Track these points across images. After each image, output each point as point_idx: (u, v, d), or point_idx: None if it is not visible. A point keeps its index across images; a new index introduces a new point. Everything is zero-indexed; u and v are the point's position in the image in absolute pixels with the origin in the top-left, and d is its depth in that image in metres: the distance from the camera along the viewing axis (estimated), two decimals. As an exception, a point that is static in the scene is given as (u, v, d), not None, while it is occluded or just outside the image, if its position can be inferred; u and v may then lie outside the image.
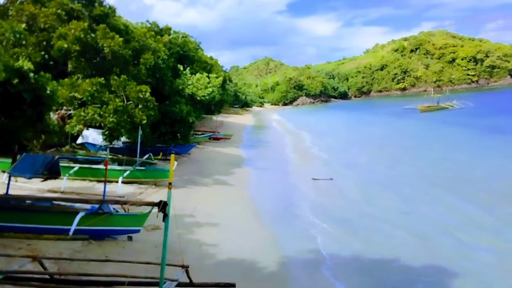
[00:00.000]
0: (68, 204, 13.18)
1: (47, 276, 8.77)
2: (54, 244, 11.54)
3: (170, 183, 6.29)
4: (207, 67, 40.54)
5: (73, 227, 11.01)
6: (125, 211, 14.21)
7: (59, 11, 20.98)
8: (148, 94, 19.79)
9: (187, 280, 8.98)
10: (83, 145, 25.82)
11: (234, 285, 8.50)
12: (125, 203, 11.80)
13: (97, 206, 12.39)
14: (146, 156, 23.32)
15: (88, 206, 12.79)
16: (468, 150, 35.63)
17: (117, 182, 18.78)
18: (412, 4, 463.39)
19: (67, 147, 24.19)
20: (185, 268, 8.77)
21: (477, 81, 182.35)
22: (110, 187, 15.93)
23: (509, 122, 50.14)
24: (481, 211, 18.14)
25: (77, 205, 13.12)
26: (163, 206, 6.26)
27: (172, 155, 6.61)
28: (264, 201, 20.20)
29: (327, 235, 15.03)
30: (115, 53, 20.92)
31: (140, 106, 19.73)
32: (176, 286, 8.13)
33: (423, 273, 11.95)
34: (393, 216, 17.57)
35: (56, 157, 13.32)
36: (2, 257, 9.29)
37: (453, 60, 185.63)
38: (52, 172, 13.07)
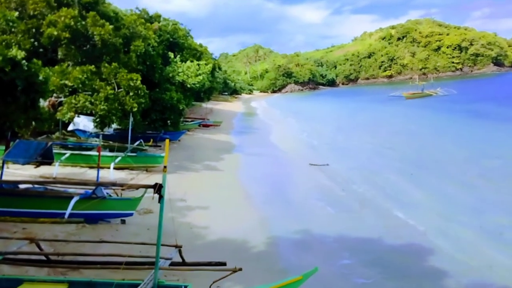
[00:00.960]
0: (62, 189, 13.53)
1: (43, 258, 9.13)
2: (49, 227, 11.84)
3: (165, 167, 6.62)
4: (197, 54, 40.66)
5: (68, 211, 11.36)
6: (117, 195, 14.57)
7: (48, -2, 21.05)
8: (139, 82, 20.00)
9: (180, 260, 9.40)
10: (73, 132, 26.00)
11: (225, 263, 8.86)
12: (121, 186, 12.10)
13: (90, 190, 12.74)
14: (137, 142, 23.62)
15: (82, 191, 13.14)
16: (449, 135, 36.84)
17: (108, 168, 19.06)
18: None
19: (58, 134, 24.36)
20: (178, 248, 9.18)
21: (461, 68, 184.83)
22: (102, 173, 16.14)
23: (488, 109, 51.76)
24: (460, 190, 19.38)
25: (71, 190, 13.47)
26: (158, 188, 6.59)
27: (167, 140, 6.92)
28: (254, 185, 20.66)
29: (316, 216, 15.59)
30: (105, 41, 21.04)
31: (131, 94, 19.94)
32: (170, 265, 8.51)
33: (407, 250, 12.64)
34: (380, 199, 18.23)
35: (50, 143, 13.58)
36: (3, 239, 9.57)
37: (439, 48, 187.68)
38: (45, 158, 13.36)
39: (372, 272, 10.93)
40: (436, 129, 41.18)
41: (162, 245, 8.12)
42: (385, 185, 20.59)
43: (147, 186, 7.42)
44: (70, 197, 12.17)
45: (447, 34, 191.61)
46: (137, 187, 9.76)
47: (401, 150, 30.31)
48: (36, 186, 13.51)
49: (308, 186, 20.78)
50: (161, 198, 6.55)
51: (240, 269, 7.54)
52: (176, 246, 9.11)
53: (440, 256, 12.11)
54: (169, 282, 7.10)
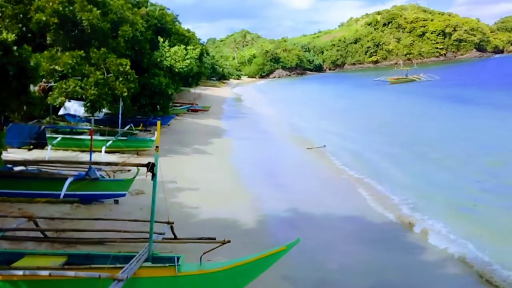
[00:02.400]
0: (56, 171, 13.91)
1: (41, 235, 9.55)
2: (45, 207, 12.21)
3: (157, 146, 7.00)
4: (185, 39, 40.71)
5: (63, 192, 11.77)
6: (109, 177, 14.98)
7: (36, -17, 21.06)
8: (128, 67, 20.23)
9: (172, 236, 9.87)
10: (63, 117, 26.23)
11: (214, 238, 9.30)
12: (116, 164, 12.50)
13: (84, 172, 13.15)
14: (127, 127, 23.96)
15: (75, 172, 13.54)
16: (425, 118, 38.44)
17: (100, 151, 19.39)
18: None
19: (48, 118, 24.56)
20: (170, 224, 9.64)
21: (445, 54, 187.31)
22: (94, 156, 16.50)
23: (465, 94, 53.35)
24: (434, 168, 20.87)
25: (64, 172, 13.86)
26: (151, 167, 6.99)
27: (159, 121, 7.29)
28: (244, 168, 21.26)
29: (303, 197, 16.22)
30: (94, 26, 21.20)
31: (120, 79, 20.15)
32: (162, 241, 8.98)
33: (392, 227, 13.33)
34: (366, 175, 19.28)
35: (43, 127, 13.90)
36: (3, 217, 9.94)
37: (423, 33, 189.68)
38: (39, 141, 13.70)
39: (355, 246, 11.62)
40: (414, 112, 42.92)
41: (155, 221, 8.60)
42: (372, 166, 21.55)
43: (140, 165, 7.83)
44: (64, 178, 12.55)
45: (432, 20, 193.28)
46: (131, 165, 10.16)
47: (384, 133, 31.21)
48: (29, 168, 13.90)
49: (298, 167, 21.42)
50: (153, 176, 6.95)
51: (229, 241, 7.99)
52: (168, 223, 9.55)
53: (417, 227, 13.01)
54: (162, 254, 7.55)
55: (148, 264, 6.87)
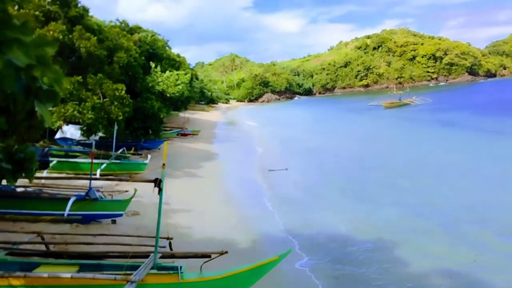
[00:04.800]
0: (56, 191, 14.60)
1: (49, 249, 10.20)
2: (46, 226, 12.86)
3: (164, 164, 7.80)
4: (176, 64, 41.80)
5: (67, 211, 12.47)
6: (105, 197, 15.65)
7: (36, 12, 21.96)
8: (123, 92, 21.14)
9: (169, 251, 10.58)
10: (55, 141, 26.86)
11: (210, 255, 10.02)
12: (127, 180, 13.22)
13: (83, 193, 13.86)
14: (120, 150, 24.64)
15: (75, 193, 14.25)
16: (422, 142, 38.36)
17: (94, 174, 20.01)
18: (375, 1, 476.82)
19: (42, 142, 25.18)
20: (170, 239, 10.37)
21: (436, 78, 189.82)
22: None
23: (460, 118, 53.16)
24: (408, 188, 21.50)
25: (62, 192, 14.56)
26: (158, 182, 7.76)
27: (166, 142, 8.07)
28: (234, 190, 21.98)
29: (288, 217, 17.03)
30: (91, 53, 22.14)
31: (116, 103, 21.03)
32: (164, 252, 9.70)
33: (363, 242, 14.15)
34: (342, 199, 19.98)
35: (46, 149, 14.61)
36: (11, 233, 10.59)
37: (414, 57, 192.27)
38: (42, 163, 14.38)
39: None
40: (413, 137, 42.61)
41: (154, 237, 9.33)
42: (344, 186, 22.55)
43: (148, 181, 8.52)
44: (65, 199, 13.26)
45: (422, 44, 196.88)
46: (140, 180, 10.80)
47: (370, 157, 31.87)
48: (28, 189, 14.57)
49: (278, 189, 22.21)
50: (160, 190, 7.72)
51: (226, 252, 8.75)
52: (167, 238, 10.29)
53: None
54: (166, 264, 8.28)
55: (154, 271, 7.60)
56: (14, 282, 6.95)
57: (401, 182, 22.88)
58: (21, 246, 9.59)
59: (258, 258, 11.97)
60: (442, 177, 23.87)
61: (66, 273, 7.00)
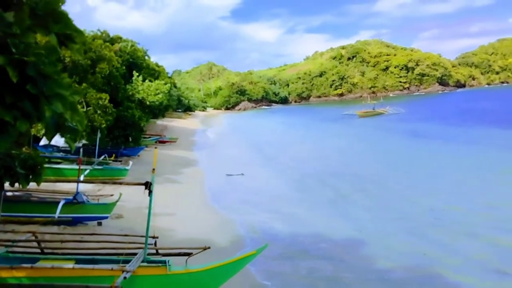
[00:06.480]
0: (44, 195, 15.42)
1: (38, 250, 11.04)
2: (36, 228, 13.65)
3: (153, 169, 8.80)
4: (155, 74, 42.67)
5: (57, 213, 13.33)
6: (91, 200, 16.48)
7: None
8: (107, 101, 21.99)
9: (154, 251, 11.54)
10: (35, 148, 27.41)
11: (191, 253, 10.99)
12: (120, 183, 14.12)
13: (71, 197, 14.74)
14: (102, 157, 25.39)
15: (63, 196, 15.10)
16: (391, 150, 40.20)
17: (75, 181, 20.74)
18: (351, 12, 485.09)
19: (24, 149, 25.71)
20: (155, 238, 11.33)
21: (408, 87, 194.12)
22: (71, 185, 17.94)
23: (428, 128, 55.19)
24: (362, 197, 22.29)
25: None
26: (149, 185, 8.76)
27: (156, 150, 9.07)
28: (212, 193, 23.20)
29: (261, 218, 18.32)
30: (75, 63, 22.94)
31: (99, 112, 21.86)
32: (153, 247, 10.66)
33: (313, 240, 15.63)
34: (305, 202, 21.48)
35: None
36: (9, 232, 11.39)
37: (387, 68, 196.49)
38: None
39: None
40: (380, 147, 43.81)
41: (141, 236, 10.31)
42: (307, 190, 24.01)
43: (140, 184, 9.41)
44: (55, 202, 14.12)
45: (395, 55, 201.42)
46: (132, 184, 11.63)
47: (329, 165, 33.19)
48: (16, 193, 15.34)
49: (254, 193, 23.40)
50: (150, 192, 8.73)
51: (209, 247, 9.77)
52: (153, 237, 11.24)
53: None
54: (154, 258, 9.28)
55: (145, 264, 8.59)
56: (22, 273, 7.87)
57: (369, 187, 24.36)
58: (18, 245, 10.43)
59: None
60: (406, 182, 25.63)
61: (68, 264, 7.95)
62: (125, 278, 7.63)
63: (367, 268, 13.05)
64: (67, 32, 4.31)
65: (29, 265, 7.93)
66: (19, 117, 3.60)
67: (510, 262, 13.37)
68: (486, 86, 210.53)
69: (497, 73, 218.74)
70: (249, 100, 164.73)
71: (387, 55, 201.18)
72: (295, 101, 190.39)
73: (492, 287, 11.96)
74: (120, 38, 41.98)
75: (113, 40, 39.23)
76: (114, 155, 28.85)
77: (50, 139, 4.43)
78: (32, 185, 17.57)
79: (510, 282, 12.13)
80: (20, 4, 3.97)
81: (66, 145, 22.93)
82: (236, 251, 13.41)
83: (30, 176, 7.06)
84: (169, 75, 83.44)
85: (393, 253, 14.27)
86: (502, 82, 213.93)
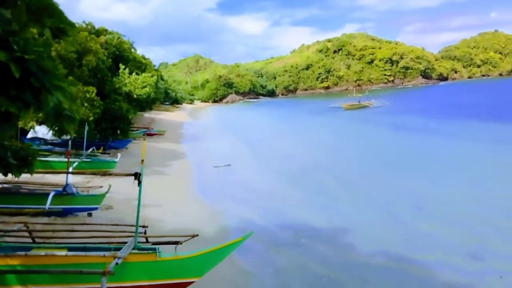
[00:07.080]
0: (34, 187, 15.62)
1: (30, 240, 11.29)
2: (27, 219, 13.86)
3: (142, 160, 9.09)
4: (142, 66, 42.67)
5: (48, 204, 13.56)
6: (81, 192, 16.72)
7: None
8: (94, 94, 22.11)
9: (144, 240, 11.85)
10: (22, 141, 27.51)
11: (178, 242, 11.32)
12: (110, 174, 14.37)
13: (61, 189, 14.96)
14: (90, 149, 25.54)
15: (53, 188, 15.31)
16: (375, 142, 40.97)
17: (64, 173, 20.92)
18: (337, 6, 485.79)
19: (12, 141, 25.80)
20: (145, 227, 11.63)
21: (393, 80, 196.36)
22: (59, 177, 18.13)
23: (412, 120, 56.26)
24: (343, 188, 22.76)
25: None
26: (138, 176, 9.05)
27: (144, 141, 9.34)
28: (200, 185, 23.49)
29: (249, 208, 18.67)
30: (62, 56, 23.00)
31: (86, 105, 21.99)
32: (144, 235, 10.97)
33: (299, 229, 16.06)
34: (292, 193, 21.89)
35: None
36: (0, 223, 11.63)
37: (372, 61, 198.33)
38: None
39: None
40: (365, 139, 44.76)
41: (132, 225, 10.61)
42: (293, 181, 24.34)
43: (129, 174, 9.68)
44: (45, 193, 14.34)
45: (380, 48, 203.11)
46: (121, 175, 11.90)
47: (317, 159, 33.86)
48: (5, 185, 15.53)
49: (242, 184, 23.81)
50: (139, 183, 9.02)
51: (197, 235, 10.12)
52: (143, 226, 11.54)
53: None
54: (144, 246, 9.60)
55: (135, 251, 8.90)
56: (16, 261, 8.13)
57: (355, 179, 24.90)
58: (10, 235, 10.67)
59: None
60: (388, 172, 26.35)
61: (61, 251, 8.23)
62: (117, 263, 7.93)
63: (352, 254, 13.55)
64: (60, 26, 4.53)
65: (23, 253, 8.18)
66: (22, 108, 3.89)
67: (488, 246, 14.04)
68: (468, 79, 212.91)
69: (478, 66, 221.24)
70: (237, 93, 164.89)
71: (372, 48, 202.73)
72: (282, 94, 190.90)
73: (471, 269, 12.55)
74: (106, 30, 41.88)
75: (98, 32, 39.14)
76: (102, 147, 29.00)
77: (50, 127, 4.73)
78: (22, 177, 17.87)
79: (486, 264, 12.78)
80: (15, 0, 4.24)
81: (53, 138, 23.05)
82: (223, 240, 13.72)
83: (23, 167, 7.28)
84: (156, 67, 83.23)
85: (376, 240, 14.79)
86: (483, 75, 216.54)
